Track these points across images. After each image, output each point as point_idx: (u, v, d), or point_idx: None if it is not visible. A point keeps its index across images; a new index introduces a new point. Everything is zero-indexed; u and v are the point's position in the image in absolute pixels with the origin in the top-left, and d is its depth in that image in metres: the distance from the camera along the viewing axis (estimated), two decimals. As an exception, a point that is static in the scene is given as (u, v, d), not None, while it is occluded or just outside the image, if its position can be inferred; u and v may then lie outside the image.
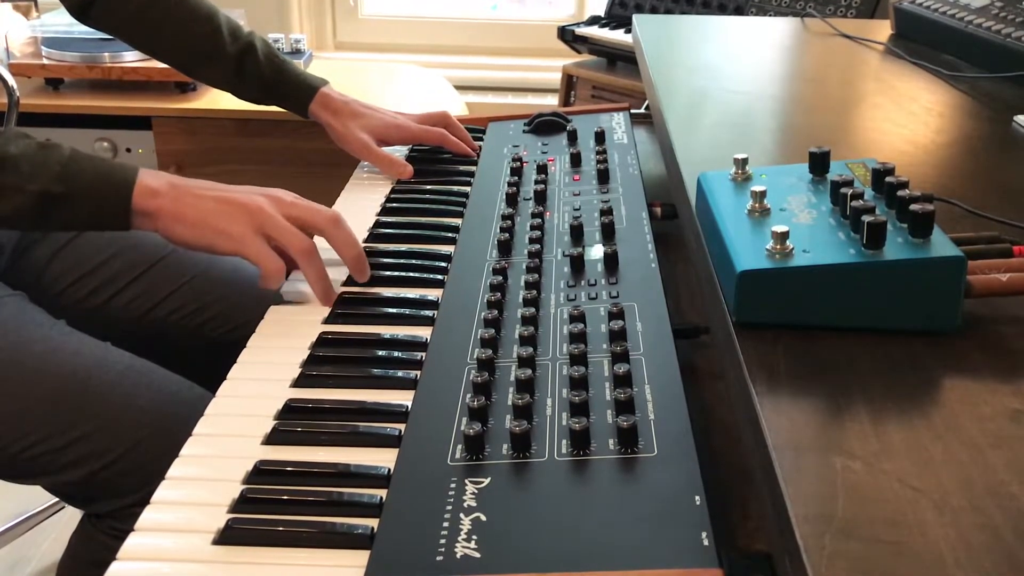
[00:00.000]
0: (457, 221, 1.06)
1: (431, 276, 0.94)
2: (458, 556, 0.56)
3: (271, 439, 0.71)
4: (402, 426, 0.71)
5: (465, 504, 0.60)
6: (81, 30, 2.02)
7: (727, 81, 1.22)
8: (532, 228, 0.98)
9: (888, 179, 0.66)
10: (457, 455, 0.65)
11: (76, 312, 1.09)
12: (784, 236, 0.61)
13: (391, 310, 0.89)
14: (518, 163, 1.16)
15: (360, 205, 1.14)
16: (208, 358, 0.99)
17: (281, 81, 1.23)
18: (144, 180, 0.90)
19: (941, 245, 0.60)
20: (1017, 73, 1.13)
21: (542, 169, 1.13)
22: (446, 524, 0.59)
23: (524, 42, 2.88)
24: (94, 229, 1.03)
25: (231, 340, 0.90)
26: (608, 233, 0.94)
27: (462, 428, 0.67)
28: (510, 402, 0.69)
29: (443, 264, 0.96)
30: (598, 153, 1.15)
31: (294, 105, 1.24)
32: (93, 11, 1.22)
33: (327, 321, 0.88)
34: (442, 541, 0.57)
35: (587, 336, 0.77)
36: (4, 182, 0.87)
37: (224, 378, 0.80)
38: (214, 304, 1.14)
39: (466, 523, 0.59)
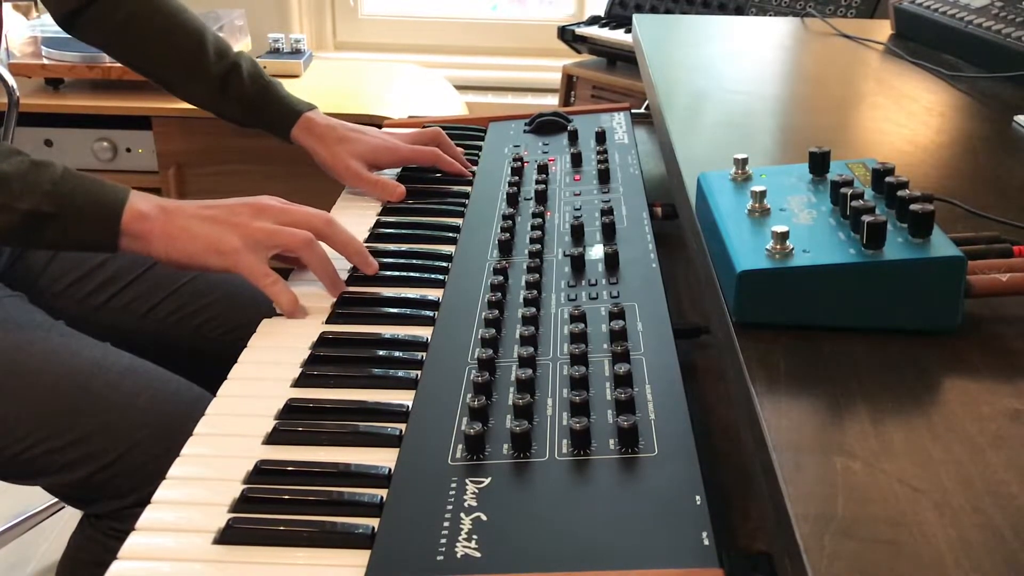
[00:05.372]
0: (458, 221, 1.06)
1: (432, 276, 0.94)
2: (459, 556, 0.56)
3: (272, 439, 0.71)
4: (403, 426, 0.71)
5: (466, 504, 0.60)
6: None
7: (727, 81, 1.22)
8: (533, 228, 0.98)
9: (888, 179, 0.66)
10: (458, 455, 0.65)
11: (75, 313, 1.09)
12: (784, 236, 0.61)
13: (392, 310, 0.89)
14: (519, 163, 1.16)
15: (361, 205, 1.14)
16: (208, 358, 0.99)
17: (264, 102, 1.18)
18: (134, 203, 0.89)
19: (941, 245, 0.60)
20: (1017, 73, 1.13)
21: (543, 169, 1.13)
22: (447, 524, 0.59)
23: (524, 42, 2.88)
24: (83, 250, 1.01)
25: (231, 340, 0.90)
26: (609, 233, 0.94)
27: (463, 428, 0.67)
28: (511, 402, 0.69)
29: (444, 264, 0.96)
30: (599, 153, 1.15)
31: (276, 128, 1.19)
32: (79, 22, 1.18)
33: (328, 321, 0.88)
34: (442, 541, 0.57)
35: (588, 336, 0.77)
36: None
37: (224, 378, 0.80)
38: (214, 304, 1.14)
39: (467, 523, 0.59)
